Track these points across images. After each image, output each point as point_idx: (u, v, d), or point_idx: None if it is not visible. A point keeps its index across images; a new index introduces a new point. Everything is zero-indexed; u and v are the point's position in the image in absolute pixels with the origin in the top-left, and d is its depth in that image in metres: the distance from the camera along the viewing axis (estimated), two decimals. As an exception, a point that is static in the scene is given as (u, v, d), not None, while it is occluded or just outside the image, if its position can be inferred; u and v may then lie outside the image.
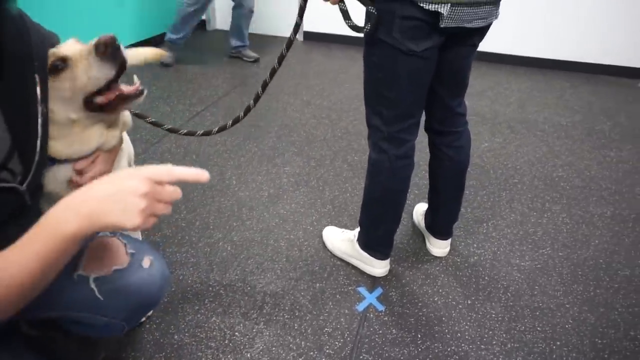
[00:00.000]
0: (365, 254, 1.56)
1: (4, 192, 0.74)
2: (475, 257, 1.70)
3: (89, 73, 0.92)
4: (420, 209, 1.84)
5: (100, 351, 1.32)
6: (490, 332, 1.40)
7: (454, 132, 1.48)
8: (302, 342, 1.35)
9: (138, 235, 1.36)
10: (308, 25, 4.29)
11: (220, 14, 4.51)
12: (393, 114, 1.32)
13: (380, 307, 1.48)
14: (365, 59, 1.31)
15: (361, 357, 1.31)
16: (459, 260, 1.69)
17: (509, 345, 1.36)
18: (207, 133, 1.48)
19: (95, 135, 1.02)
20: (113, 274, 1.00)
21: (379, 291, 1.54)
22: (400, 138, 1.36)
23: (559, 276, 1.62)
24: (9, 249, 0.65)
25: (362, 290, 1.54)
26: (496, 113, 2.95)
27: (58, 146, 0.97)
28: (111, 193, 0.66)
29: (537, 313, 1.47)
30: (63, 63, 0.90)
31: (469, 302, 1.51)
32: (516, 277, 1.61)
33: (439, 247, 1.70)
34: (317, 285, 1.55)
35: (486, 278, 1.61)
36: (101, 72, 0.93)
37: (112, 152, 1.09)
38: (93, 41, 0.91)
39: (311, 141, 2.49)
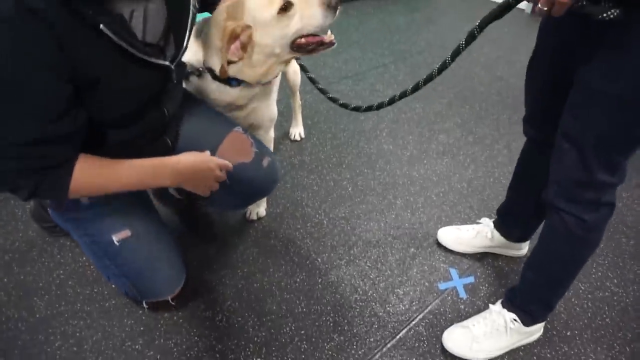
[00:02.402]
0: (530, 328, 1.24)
1: (159, 68, 0.98)
2: (607, 293, 1.42)
3: (311, 19, 1.07)
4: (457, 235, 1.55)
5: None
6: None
7: None
8: (370, 291, 1.40)
9: (271, 146, 1.55)
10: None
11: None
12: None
13: (463, 295, 1.40)
14: (610, 72, 0.84)
15: (418, 328, 1.30)
16: (583, 287, 1.44)
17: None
18: (379, 106, 1.27)
19: (277, 70, 1.20)
20: (238, 165, 1.21)
21: (469, 279, 1.45)
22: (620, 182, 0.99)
23: None
24: (128, 162, 0.99)
25: (453, 272, 1.47)
26: None
27: (251, 72, 1.15)
28: (199, 170, 1.08)
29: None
30: (289, 5, 1.06)
31: (565, 332, 1.30)
32: (651, 336, 1.30)
33: (522, 248, 1.51)
34: (412, 250, 1.55)
35: (607, 320, 1.34)
36: (322, 20, 1.08)
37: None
38: None
39: (481, 117, 2.32)
